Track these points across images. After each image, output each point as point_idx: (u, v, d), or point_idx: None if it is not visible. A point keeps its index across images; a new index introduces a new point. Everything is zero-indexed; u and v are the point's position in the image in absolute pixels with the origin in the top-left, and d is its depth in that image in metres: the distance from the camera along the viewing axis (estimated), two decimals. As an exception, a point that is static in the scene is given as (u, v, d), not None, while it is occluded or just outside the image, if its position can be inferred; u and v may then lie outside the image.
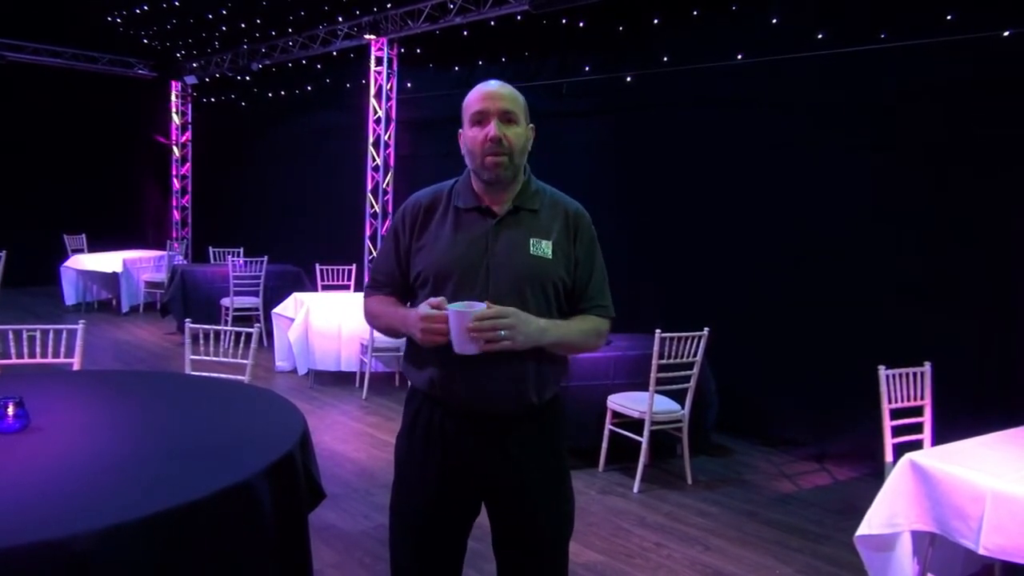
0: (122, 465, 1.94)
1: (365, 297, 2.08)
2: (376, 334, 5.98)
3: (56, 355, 3.36)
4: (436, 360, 1.86)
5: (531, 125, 1.94)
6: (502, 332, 1.72)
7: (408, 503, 1.97)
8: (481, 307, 1.73)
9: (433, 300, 1.78)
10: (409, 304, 2.02)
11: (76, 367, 3.32)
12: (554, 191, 2.01)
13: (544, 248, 1.88)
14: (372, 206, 9.04)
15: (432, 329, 1.75)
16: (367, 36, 8.61)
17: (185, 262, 10.53)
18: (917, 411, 3.62)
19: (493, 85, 1.89)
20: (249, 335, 3.56)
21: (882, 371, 3.48)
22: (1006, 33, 4.26)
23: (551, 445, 1.98)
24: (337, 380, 6.60)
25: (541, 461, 1.95)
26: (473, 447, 1.89)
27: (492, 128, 1.83)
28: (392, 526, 2.03)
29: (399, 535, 2.01)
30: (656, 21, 6.13)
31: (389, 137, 8.99)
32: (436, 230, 1.92)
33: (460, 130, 1.94)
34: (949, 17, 4.48)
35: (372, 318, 2.04)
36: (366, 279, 8.19)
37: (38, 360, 3.33)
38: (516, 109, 1.87)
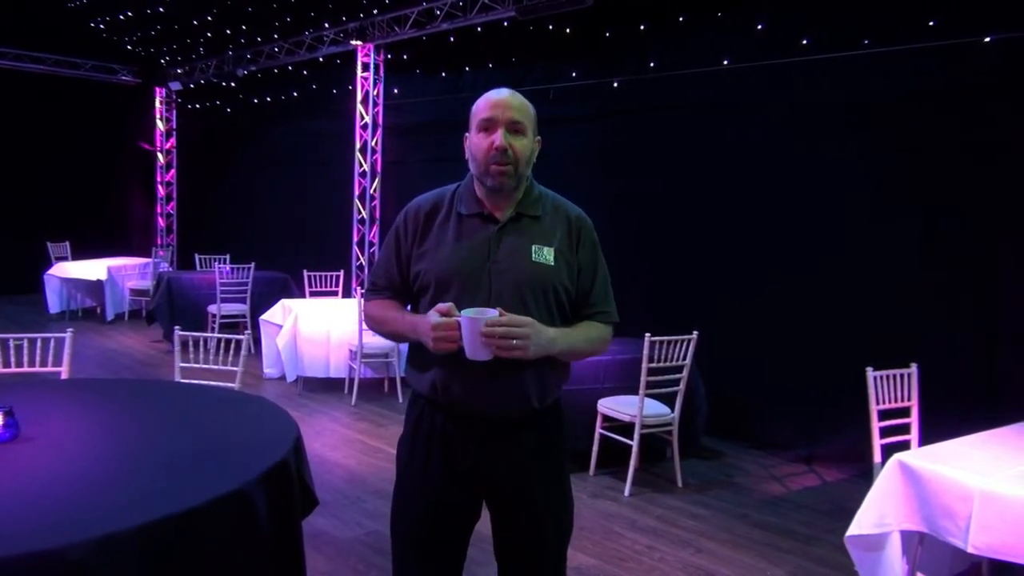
0: (115, 474, 1.92)
1: (365, 301, 2.08)
2: (365, 339, 5.98)
3: (44, 364, 3.33)
4: (438, 365, 1.86)
5: (538, 137, 1.94)
6: (515, 341, 1.72)
7: (410, 508, 1.97)
8: (493, 313, 1.73)
9: (442, 306, 1.77)
10: (410, 308, 2.02)
11: (64, 376, 3.29)
12: (556, 196, 2.01)
13: (546, 255, 1.88)
14: (359, 212, 9.02)
15: (445, 337, 1.75)
16: (353, 42, 8.60)
17: (171, 269, 10.46)
18: (904, 412, 3.66)
19: (504, 93, 1.88)
20: (238, 342, 3.55)
21: (870, 373, 3.51)
22: (987, 39, 4.32)
23: (553, 450, 1.98)
24: (326, 387, 6.58)
25: (543, 466, 1.96)
26: (476, 452, 1.90)
27: (498, 138, 1.82)
28: (393, 531, 2.03)
29: (401, 540, 2.01)
30: (643, 27, 6.17)
31: (376, 143, 8.98)
32: (438, 235, 1.92)
33: (466, 134, 1.93)
34: (932, 23, 4.54)
35: (376, 323, 2.02)
36: (354, 284, 8.07)
37: (25, 369, 3.30)
38: (524, 120, 1.87)
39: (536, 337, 1.76)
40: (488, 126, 1.85)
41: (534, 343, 1.76)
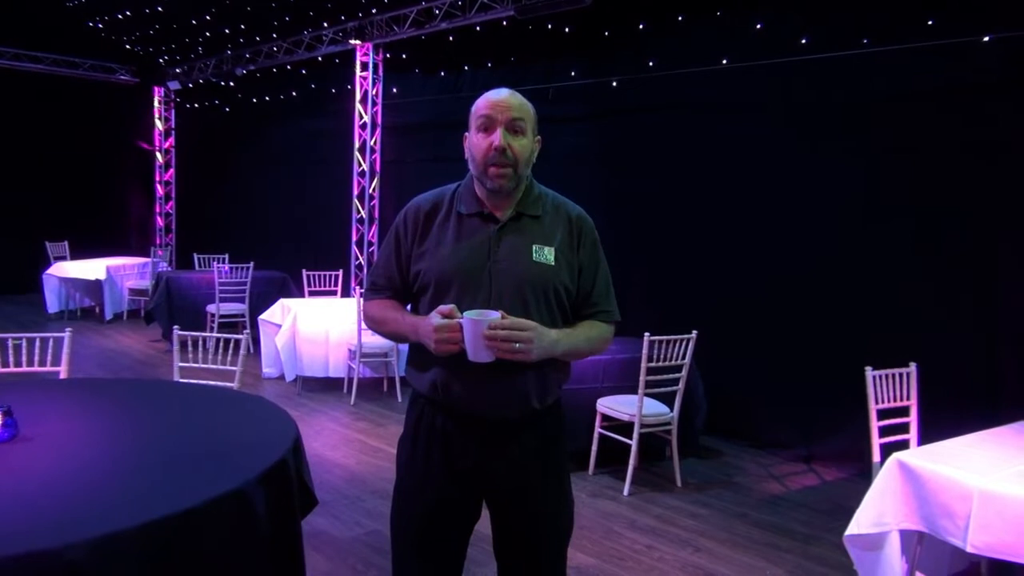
0: (114, 473, 1.92)
1: (364, 301, 2.08)
2: (364, 339, 5.97)
3: (43, 364, 3.32)
4: (439, 365, 1.86)
5: (538, 137, 1.93)
6: (518, 344, 1.72)
7: (410, 507, 1.97)
8: (495, 315, 1.73)
9: (444, 308, 1.77)
10: (410, 309, 2.02)
11: (63, 375, 3.29)
12: (556, 195, 2.01)
13: (547, 254, 1.88)
14: (358, 211, 9.01)
15: (447, 339, 1.75)
16: (352, 41, 8.60)
17: (170, 269, 10.46)
18: (903, 411, 3.66)
19: (503, 93, 1.86)
20: (237, 342, 3.55)
21: (869, 372, 3.51)
22: (986, 38, 4.32)
23: (553, 449, 1.98)
24: (325, 386, 6.58)
25: (543, 465, 1.96)
26: (476, 451, 1.90)
27: (497, 137, 1.81)
28: (393, 530, 2.03)
29: (401, 539, 2.01)
30: (642, 26, 6.17)
31: (375, 142, 8.97)
32: (438, 235, 1.91)
33: (466, 133, 1.92)
34: (930, 22, 4.55)
35: (376, 323, 2.01)
36: (353, 284, 8.05)
37: (24, 369, 3.29)
38: (524, 119, 1.85)
39: (539, 340, 1.76)
40: (487, 125, 1.84)
41: (537, 346, 1.76)
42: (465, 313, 1.74)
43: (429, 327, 1.77)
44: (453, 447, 1.91)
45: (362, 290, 2.17)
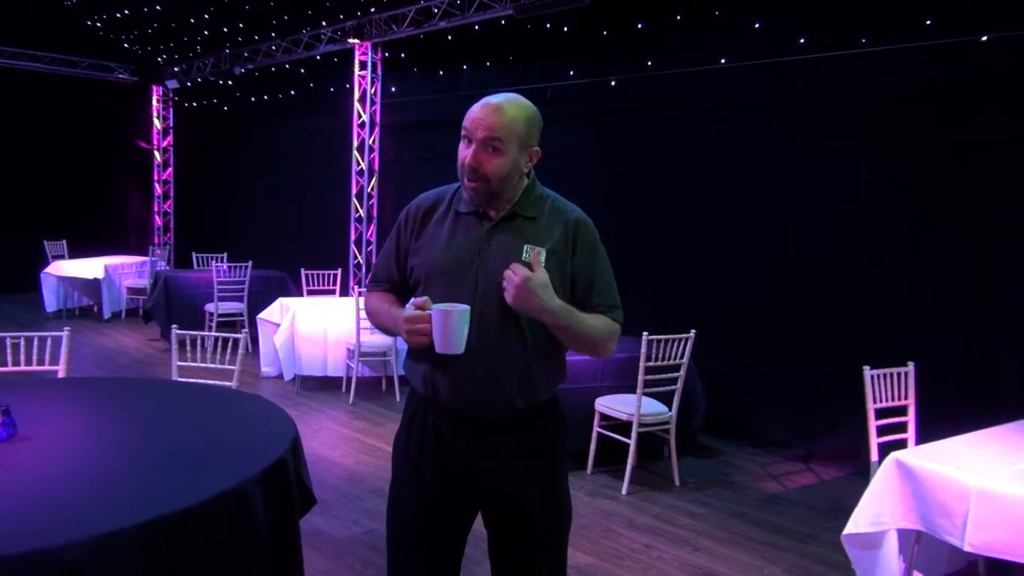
0: (113, 473, 1.92)
1: (366, 292, 2.13)
2: (363, 338, 5.98)
3: (41, 363, 3.32)
4: (427, 360, 1.88)
5: (535, 148, 1.89)
6: (504, 282, 1.74)
7: (405, 505, 1.98)
8: (464, 308, 1.76)
9: (418, 300, 1.81)
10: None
11: (61, 375, 3.29)
12: (557, 198, 1.98)
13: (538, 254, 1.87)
14: (357, 210, 9.01)
15: (415, 329, 1.78)
16: (351, 40, 8.60)
17: (168, 268, 10.45)
18: (901, 411, 3.67)
19: (488, 108, 1.82)
20: (235, 341, 3.55)
21: (867, 371, 3.52)
22: (984, 37, 4.32)
23: (549, 449, 1.95)
24: (323, 385, 6.57)
25: (538, 465, 1.93)
26: (467, 449, 1.89)
27: (468, 155, 1.82)
28: (389, 528, 2.03)
29: (396, 537, 2.01)
30: (640, 26, 6.17)
31: (373, 141, 8.97)
32: (434, 232, 1.94)
33: None
34: (929, 22, 4.55)
35: (370, 315, 2.08)
36: (351, 283, 8.06)
37: (22, 368, 3.29)
38: (504, 139, 1.80)
39: (530, 291, 1.73)
40: (467, 137, 1.83)
41: (520, 295, 1.73)
42: (435, 305, 1.77)
43: (402, 318, 1.81)
44: (446, 445, 1.90)
45: (360, 289, 2.20)
